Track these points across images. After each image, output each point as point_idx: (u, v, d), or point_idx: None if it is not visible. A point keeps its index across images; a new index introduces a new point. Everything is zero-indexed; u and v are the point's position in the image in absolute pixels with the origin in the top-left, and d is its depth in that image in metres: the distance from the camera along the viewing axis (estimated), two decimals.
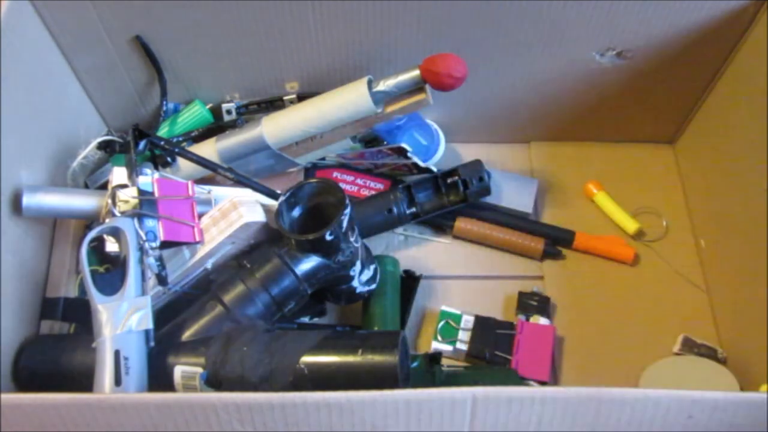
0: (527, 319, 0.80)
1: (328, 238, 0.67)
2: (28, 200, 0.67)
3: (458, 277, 0.86)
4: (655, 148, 0.95)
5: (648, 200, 0.90)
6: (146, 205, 0.67)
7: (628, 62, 0.82)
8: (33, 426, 0.51)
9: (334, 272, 0.71)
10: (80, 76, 0.81)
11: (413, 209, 0.84)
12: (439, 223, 0.88)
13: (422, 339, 0.81)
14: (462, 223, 0.86)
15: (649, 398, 0.48)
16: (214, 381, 0.63)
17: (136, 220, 0.66)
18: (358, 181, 0.88)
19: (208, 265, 0.72)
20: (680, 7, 0.75)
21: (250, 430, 0.51)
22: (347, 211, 0.68)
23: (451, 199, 0.84)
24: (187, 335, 0.67)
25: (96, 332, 0.61)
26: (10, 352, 0.67)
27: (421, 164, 0.85)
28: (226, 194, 0.75)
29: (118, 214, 0.67)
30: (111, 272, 0.64)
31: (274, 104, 0.86)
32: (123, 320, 0.61)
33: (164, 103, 0.84)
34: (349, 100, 0.77)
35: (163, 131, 0.86)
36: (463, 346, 0.78)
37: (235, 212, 0.70)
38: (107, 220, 0.66)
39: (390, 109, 0.78)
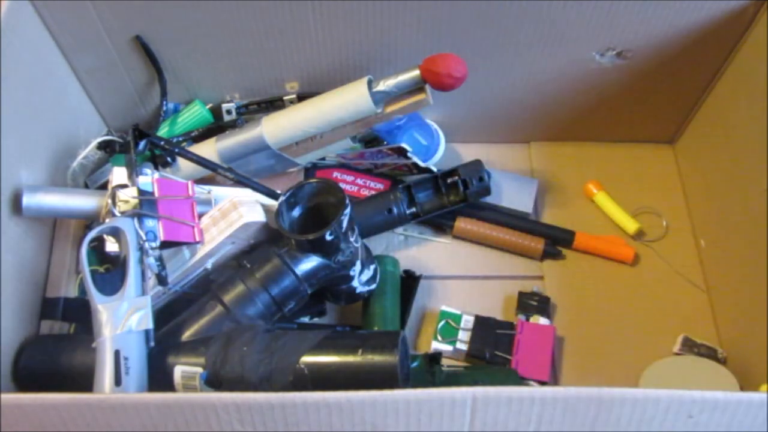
0: (527, 319, 0.80)
1: (328, 238, 0.67)
2: (28, 200, 0.67)
3: (458, 277, 0.86)
4: (655, 148, 0.95)
5: (648, 200, 0.90)
6: (146, 205, 0.67)
7: (628, 62, 0.82)
8: (33, 426, 0.51)
9: (334, 272, 0.71)
10: (80, 76, 0.81)
11: (413, 209, 0.84)
12: (439, 223, 0.88)
13: (422, 339, 0.81)
14: (462, 223, 0.86)
15: (649, 398, 0.48)
16: (214, 381, 0.63)
17: (136, 220, 0.66)
18: (358, 181, 0.88)
19: (208, 265, 0.72)
20: (680, 7, 0.75)
21: (250, 430, 0.51)
22: (347, 211, 0.68)
23: (451, 199, 0.84)
24: (187, 335, 0.67)
25: (96, 332, 0.61)
26: (10, 352, 0.66)
27: (421, 164, 0.85)
28: (226, 194, 0.75)
29: (118, 214, 0.67)
30: (111, 272, 0.64)
31: (274, 104, 0.86)
32: (123, 320, 0.61)
33: (164, 103, 0.84)
34: (349, 100, 0.77)
35: (163, 131, 0.86)
36: (463, 346, 0.78)
37: (235, 212, 0.70)
38: (107, 220, 0.66)
39: (390, 109, 0.78)
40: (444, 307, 0.80)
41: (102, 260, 0.69)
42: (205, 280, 0.73)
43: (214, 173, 0.77)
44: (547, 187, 0.92)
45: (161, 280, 0.68)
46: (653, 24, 0.77)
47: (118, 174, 0.70)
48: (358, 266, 0.73)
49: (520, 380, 0.75)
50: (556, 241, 0.86)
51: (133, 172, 0.69)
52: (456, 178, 0.83)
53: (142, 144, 0.74)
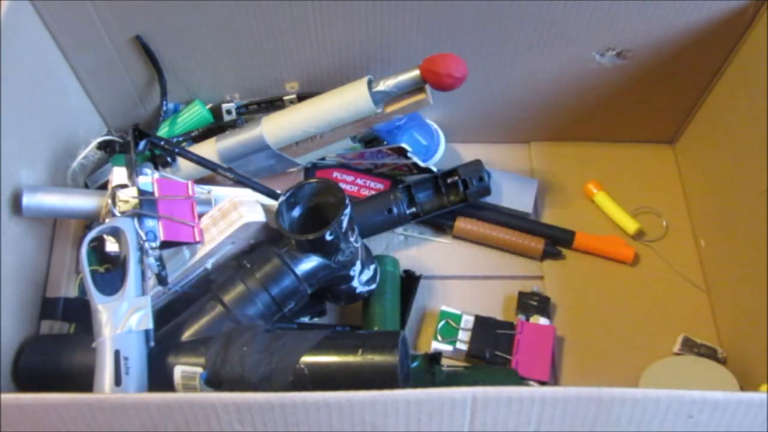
0: (527, 319, 0.80)
1: (328, 238, 0.67)
2: (28, 200, 0.67)
3: (458, 277, 0.86)
4: (655, 148, 0.95)
5: (648, 200, 0.90)
6: (146, 205, 0.67)
7: (628, 62, 0.82)
8: (33, 426, 0.51)
9: (334, 272, 0.71)
10: (80, 76, 0.81)
11: (413, 209, 0.84)
12: (439, 223, 0.88)
13: (422, 339, 0.81)
14: (462, 223, 0.86)
15: (649, 398, 0.48)
16: (214, 381, 0.63)
17: (136, 220, 0.66)
18: (358, 181, 0.88)
19: (208, 265, 0.72)
20: (680, 7, 0.75)
21: (250, 430, 0.51)
22: (347, 211, 0.68)
23: (451, 199, 0.84)
24: (187, 335, 0.67)
25: (96, 332, 0.61)
26: (10, 352, 0.66)
27: (421, 164, 0.85)
28: (226, 194, 0.75)
29: (118, 214, 0.67)
30: (111, 272, 0.64)
31: (274, 104, 0.86)
32: (123, 320, 0.61)
33: (164, 103, 0.84)
34: (349, 100, 0.77)
35: (163, 131, 0.86)
36: (463, 346, 0.78)
37: (235, 212, 0.70)
38: (107, 220, 0.66)
39: (390, 109, 0.78)
40: (444, 307, 0.80)
41: (102, 260, 0.69)
42: (205, 280, 0.73)
43: (214, 173, 0.77)
44: (547, 187, 0.92)
45: (161, 280, 0.68)
46: (653, 24, 0.77)
47: (118, 174, 0.70)
48: (358, 266, 0.73)
49: (520, 380, 0.75)
50: (556, 241, 0.86)
51: (133, 172, 0.69)
52: (456, 178, 0.83)
53: (142, 144, 0.74)
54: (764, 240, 0.72)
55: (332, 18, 0.76)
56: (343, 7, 0.75)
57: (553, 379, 0.78)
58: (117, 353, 0.60)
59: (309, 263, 0.69)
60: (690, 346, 0.79)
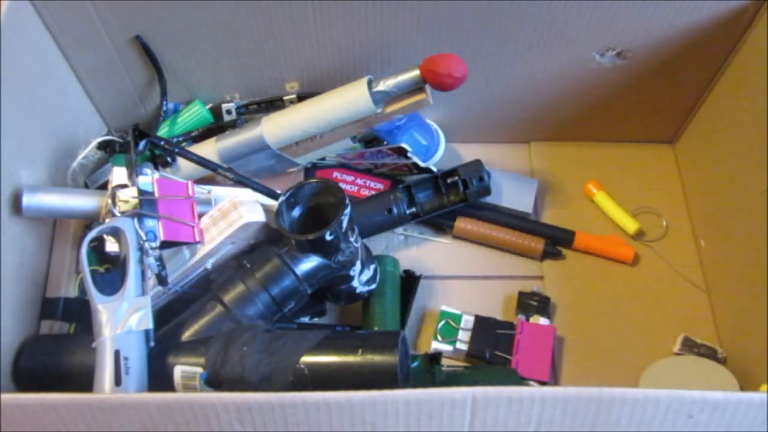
0: (527, 319, 0.80)
1: (328, 238, 0.67)
2: (28, 200, 0.67)
3: (458, 277, 0.86)
4: (655, 148, 0.95)
5: (648, 200, 0.90)
6: (146, 205, 0.67)
7: (628, 62, 0.82)
8: (33, 426, 0.51)
9: (334, 272, 0.71)
10: (80, 76, 0.81)
11: (413, 209, 0.84)
12: (439, 223, 0.88)
13: (422, 339, 0.81)
14: (462, 223, 0.86)
15: (649, 398, 0.48)
16: (214, 381, 0.63)
17: (136, 220, 0.66)
18: (358, 181, 0.88)
19: (208, 265, 0.72)
20: (680, 7, 0.75)
21: (250, 430, 0.51)
22: (347, 211, 0.68)
23: (451, 199, 0.84)
24: (187, 335, 0.67)
25: (96, 332, 0.61)
26: (10, 352, 0.66)
27: (421, 164, 0.85)
28: (226, 194, 0.75)
29: (118, 214, 0.67)
30: (111, 272, 0.64)
31: (274, 104, 0.86)
32: (123, 320, 0.61)
33: (164, 103, 0.84)
34: (349, 100, 0.77)
35: (163, 131, 0.86)
36: (463, 346, 0.78)
37: (235, 212, 0.70)
38: (107, 220, 0.66)
39: (390, 109, 0.78)
40: (444, 307, 0.80)
41: (102, 260, 0.69)
42: (205, 280, 0.73)
43: (214, 173, 0.77)
44: (547, 187, 0.92)
45: (161, 280, 0.68)
46: (653, 24, 0.77)
47: (118, 174, 0.70)
48: (358, 266, 0.73)
49: (520, 380, 0.75)
50: (556, 241, 0.86)
51: (133, 172, 0.69)
52: (456, 178, 0.83)
53: (142, 144, 0.74)
54: (764, 240, 0.72)
55: (332, 18, 0.76)
56: (343, 7, 0.75)
57: (553, 379, 0.78)
58: (117, 353, 0.60)
59: (309, 263, 0.69)
60: (690, 346, 0.79)
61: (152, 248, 0.66)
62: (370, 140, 0.87)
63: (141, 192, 0.68)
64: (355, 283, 0.74)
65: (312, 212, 0.72)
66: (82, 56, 0.79)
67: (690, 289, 0.84)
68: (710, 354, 0.78)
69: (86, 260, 0.63)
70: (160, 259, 0.67)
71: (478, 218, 0.87)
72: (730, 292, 0.80)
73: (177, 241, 0.69)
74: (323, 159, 0.87)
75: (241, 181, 0.75)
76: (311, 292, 0.71)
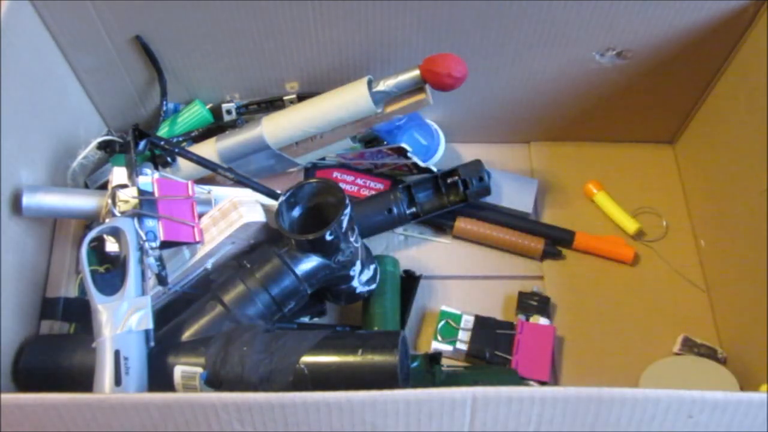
0: (527, 319, 0.80)
1: (328, 238, 0.67)
2: (28, 200, 0.67)
3: (458, 277, 0.86)
4: (655, 148, 0.95)
5: (648, 200, 0.90)
6: (146, 205, 0.67)
7: (628, 62, 0.82)
8: (33, 426, 0.51)
9: (334, 272, 0.71)
10: (80, 76, 0.81)
11: (413, 209, 0.84)
12: (439, 223, 0.88)
13: (422, 339, 0.81)
14: (462, 223, 0.86)
15: (649, 398, 0.48)
16: (214, 381, 0.63)
17: (136, 220, 0.66)
18: (358, 181, 0.88)
19: (208, 265, 0.72)
20: (680, 7, 0.75)
21: (250, 430, 0.51)
22: (347, 211, 0.68)
23: (451, 199, 0.84)
24: (187, 335, 0.67)
25: (96, 332, 0.61)
26: (10, 352, 0.66)
27: (421, 164, 0.85)
28: (226, 194, 0.75)
29: (118, 214, 0.67)
30: (111, 272, 0.64)
31: (274, 104, 0.86)
32: (123, 320, 0.61)
33: (164, 103, 0.84)
34: (349, 100, 0.77)
35: (163, 131, 0.86)
36: (463, 346, 0.78)
37: (235, 212, 0.70)
38: (107, 220, 0.66)
39: (390, 109, 0.78)
40: (444, 307, 0.80)
41: (102, 260, 0.69)
42: (205, 280, 0.73)
43: (214, 173, 0.77)
44: (547, 187, 0.92)
45: (161, 280, 0.68)
46: (653, 24, 0.77)
47: (118, 174, 0.70)
48: (358, 266, 0.73)
49: (520, 380, 0.75)
50: (556, 241, 0.86)
51: (133, 172, 0.69)
52: (456, 178, 0.83)
53: (142, 144, 0.74)
54: (764, 240, 0.72)
55: (332, 18, 0.76)
56: (343, 7, 0.75)
57: (553, 379, 0.78)
58: (117, 353, 0.60)
59: (309, 263, 0.69)
60: (690, 346, 0.79)
61: (152, 248, 0.66)
62: (370, 140, 0.87)
63: (141, 192, 0.68)
64: (355, 283, 0.74)
65: (312, 212, 0.72)
66: (82, 56, 0.79)
67: (690, 289, 0.84)
68: (710, 354, 0.78)
69: (86, 260, 0.63)
70: (160, 259, 0.67)
71: (478, 218, 0.87)
72: (730, 292, 0.80)
73: (177, 241, 0.69)
74: (323, 159, 0.87)
75: (241, 181, 0.75)
76: (311, 292, 0.71)
